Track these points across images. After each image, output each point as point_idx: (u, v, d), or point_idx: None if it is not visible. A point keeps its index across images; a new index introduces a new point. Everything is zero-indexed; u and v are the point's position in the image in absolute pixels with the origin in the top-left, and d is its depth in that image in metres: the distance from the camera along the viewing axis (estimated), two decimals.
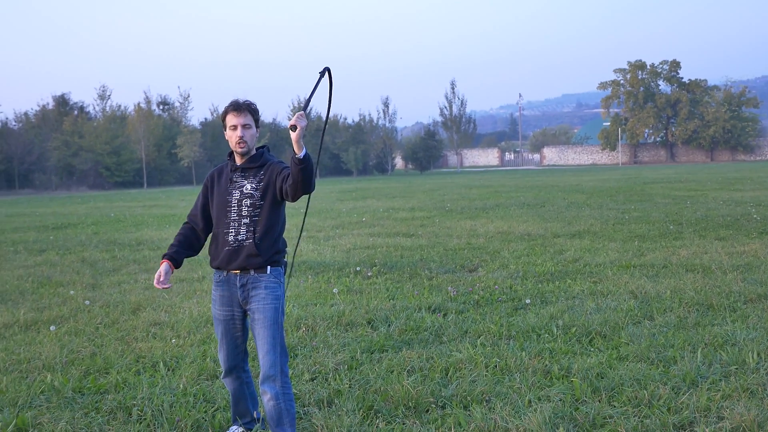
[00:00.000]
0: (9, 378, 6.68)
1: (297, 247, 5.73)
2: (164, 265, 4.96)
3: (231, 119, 4.89)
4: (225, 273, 4.97)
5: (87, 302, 10.15)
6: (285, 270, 5.07)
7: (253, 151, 5.02)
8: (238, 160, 5.01)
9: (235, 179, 4.98)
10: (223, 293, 5.00)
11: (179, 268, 5.05)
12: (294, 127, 4.42)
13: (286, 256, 5.08)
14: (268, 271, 4.91)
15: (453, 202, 29.18)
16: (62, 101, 78.26)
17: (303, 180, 4.57)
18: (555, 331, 7.76)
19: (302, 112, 4.48)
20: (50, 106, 78.12)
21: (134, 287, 11.46)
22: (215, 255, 4.99)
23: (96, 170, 71.39)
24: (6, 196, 61.33)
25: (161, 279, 4.89)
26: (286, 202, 4.91)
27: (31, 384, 6.48)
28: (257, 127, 5.00)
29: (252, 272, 4.90)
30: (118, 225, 23.92)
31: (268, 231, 4.91)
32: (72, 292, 11.08)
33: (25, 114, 78.84)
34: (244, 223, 4.88)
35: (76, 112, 77.56)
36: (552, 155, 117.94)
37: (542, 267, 11.91)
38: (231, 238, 4.89)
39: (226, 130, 4.96)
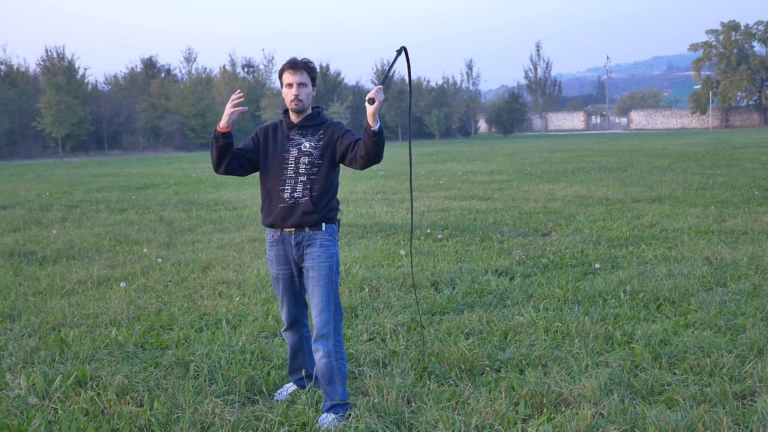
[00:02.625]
0: (76, 332, 6.83)
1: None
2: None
3: (287, 77, 4.87)
4: (279, 232, 4.95)
5: (159, 260, 10.33)
6: (339, 227, 5.04)
7: (309, 110, 4.99)
8: (294, 118, 4.99)
9: (292, 136, 4.95)
10: (278, 252, 5.00)
11: (227, 140, 4.84)
12: (372, 101, 4.46)
13: (339, 213, 5.06)
14: (323, 228, 4.89)
15: (533, 166, 28.82)
16: (150, 64, 79.56)
17: (375, 152, 4.64)
18: (622, 296, 7.58)
19: (380, 86, 4.50)
20: (138, 69, 79.57)
21: (207, 246, 11.62)
22: (268, 212, 4.97)
23: (182, 132, 72.60)
24: (95, 156, 62.95)
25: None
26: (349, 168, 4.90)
27: (96, 338, 6.62)
28: (314, 85, 4.97)
29: (307, 229, 4.88)
30: (199, 186, 24.31)
31: (325, 190, 4.89)
32: (146, 249, 11.29)
33: (115, 76, 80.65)
34: (301, 181, 4.85)
35: (163, 75, 78.83)
36: (639, 119, 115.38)
37: (617, 232, 11.66)
38: (287, 195, 4.87)
39: (282, 88, 4.94)
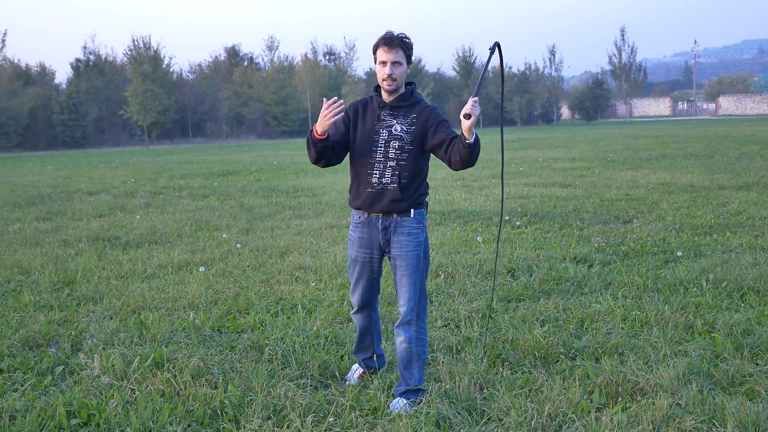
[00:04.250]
0: (156, 315, 6.95)
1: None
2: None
3: (381, 54, 4.71)
4: (366, 214, 4.87)
5: (238, 245, 10.45)
6: (427, 211, 4.96)
7: (402, 89, 4.86)
8: (386, 97, 4.84)
9: (383, 117, 4.80)
10: (362, 234, 4.91)
11: (325, 144, 4.68)
12: (468, 116, 4.35)
13: (427, 197, 4.96)
14: (412, 214, 4.79)
15: (616, 153, 28.31)
16: (233, 52, 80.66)
17: (470, 160, 4.55)
18: (704, 285, 7.38)
19: (476, 98, 4.37)
20: (222, 58, 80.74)
21: (286, 232, 11.72)
22: (356, 195, 4.88)
23: (264, 120, 73.41)
24: (180, 144, 64.13)
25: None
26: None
27: (174, 321, 6.73)
28: (409, 63, 4.81)
29: (395, 215, 4.78)
30: (280, 173, 24.54)
31: (414, 176, 4.77)
32: (225, 235, 11.44)
33: (199, 65, 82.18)
34: (390, 166, 4.72)
35: (245, 63, 79.79)
36: (728, 104, 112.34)
37: (701, 219, 11.37)
38: (375, 179, 4.75)
39: (376, 64, 4.81)
